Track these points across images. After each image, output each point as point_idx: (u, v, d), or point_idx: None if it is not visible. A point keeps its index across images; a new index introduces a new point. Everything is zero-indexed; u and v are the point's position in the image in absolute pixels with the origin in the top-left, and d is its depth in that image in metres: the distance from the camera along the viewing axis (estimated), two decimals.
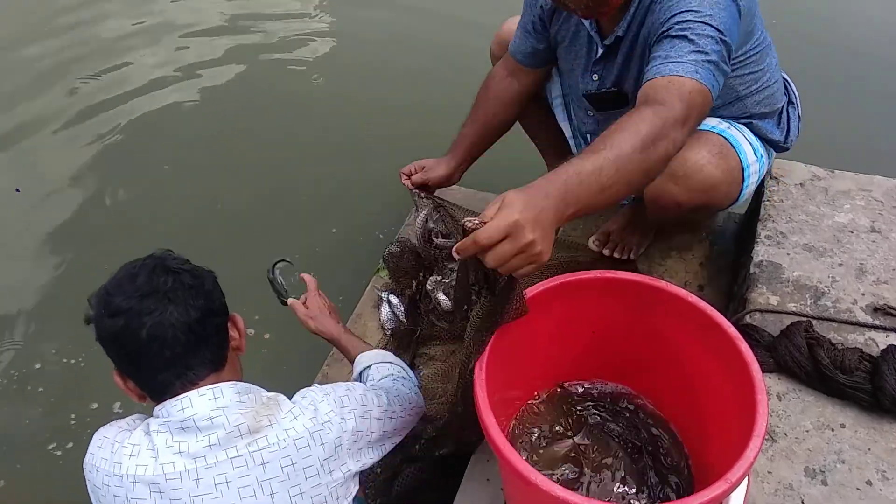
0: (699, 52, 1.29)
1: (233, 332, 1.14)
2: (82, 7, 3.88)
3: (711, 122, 1.61)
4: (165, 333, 1.00)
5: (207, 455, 1.01)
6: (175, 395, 1.03)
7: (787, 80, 1.78)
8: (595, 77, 1.69)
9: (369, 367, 1.42)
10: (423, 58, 3.33)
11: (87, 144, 2.96)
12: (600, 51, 1.62)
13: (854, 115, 2.93)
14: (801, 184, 1.79)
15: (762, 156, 1.68)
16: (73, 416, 1.96)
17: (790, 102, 1.77)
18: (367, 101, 3.11)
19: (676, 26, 1.33)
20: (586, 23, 1.63)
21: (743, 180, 1.62)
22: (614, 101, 1.69)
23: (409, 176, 1.96)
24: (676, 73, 1.27)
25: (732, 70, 1.45)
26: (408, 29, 3.55)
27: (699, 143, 1.54)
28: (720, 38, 1.30)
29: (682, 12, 1.33)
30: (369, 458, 1.18)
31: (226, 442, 1.01)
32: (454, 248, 1.01)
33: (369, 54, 3.44)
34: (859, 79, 3.16)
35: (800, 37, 3.36)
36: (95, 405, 1.98)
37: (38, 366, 2.11)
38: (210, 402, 1.02)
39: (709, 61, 1.28)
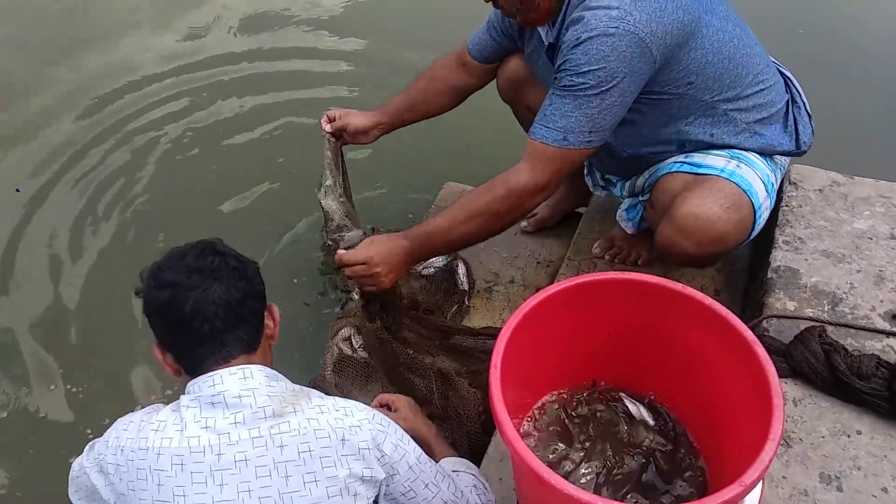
0: (572, 116, 1.43)
1: (268, 321, 1.18)
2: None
3: (719, 163, 1.55)
4: (207, 309, 1.06)
5: (231, 432, 1.04)
6: (207, 372, 1.07)
7: (788, 78, 1.70)
8: None
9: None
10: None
11: (89, 144, 2.93)
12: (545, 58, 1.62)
13: (876, 121, 2.90)
14: (820, 189, 1.78)
15: (773, 183, 1.61)
16: (89, 430, 1.91)
17: (793, 101, 1.67)
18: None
19: (567, 85, 1.42)
20: (540, 31, 1.63)
21: (754, 221, 1.55)
22: None
23: (331, 120, 1.97)
24: (534, 137, 1.48)
25: (687, 89, 1.51)
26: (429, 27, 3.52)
27: (710, 196, 1.50)
28: (601, 93, 1.40)
29: (574, 73, 1.41)
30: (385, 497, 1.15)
31: (250, 422, 1.04)
32: (334, 258, 1.63)
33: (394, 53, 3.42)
34: (884, 84, 3.13)
35: (823, 42, 3.34)
36: (107, 420, 1.89)
37: (52, 387, 2.03)
38: (240, 382, 1.06)
39: (580, 123, 1.43)
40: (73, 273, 2.38)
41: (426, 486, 1.16)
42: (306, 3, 3.83)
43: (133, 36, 3.61)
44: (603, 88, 1.39)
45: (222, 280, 1.09)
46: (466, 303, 2.02)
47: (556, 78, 1.46)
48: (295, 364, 2.03)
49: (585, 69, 1.39)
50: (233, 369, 1.07)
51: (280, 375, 1.13)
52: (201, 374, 1.08)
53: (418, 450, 1.18)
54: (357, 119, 1.94)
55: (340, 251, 1.62)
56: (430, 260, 1.99)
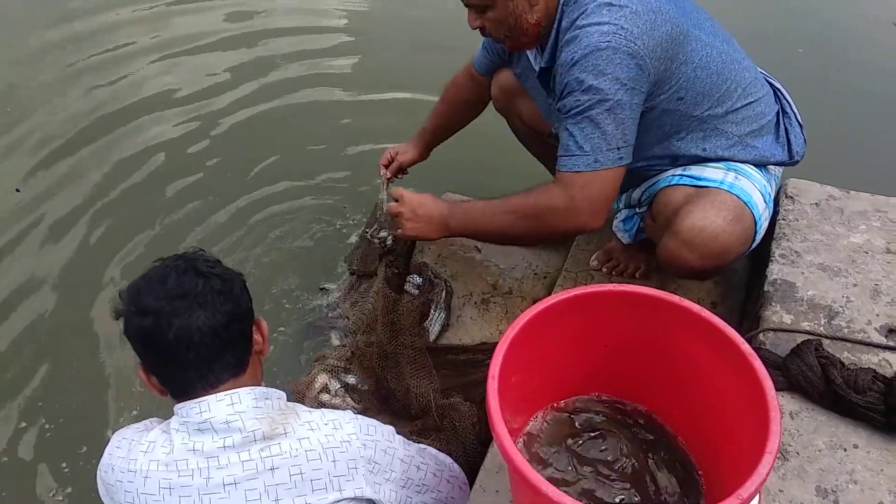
0: (594, 138, 1.45)
1: (256, 336, 1.15)
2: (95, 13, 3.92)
3: (718, 175, 1.57)
4: (192, 336, 1.02)
5: (220, 456, 1.03)
6: (195, 397, 1.05)
7: (777, 90, 1.72)
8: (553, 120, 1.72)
9: None
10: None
11: (90, 148, 2.95)
12: (538, 79, 1.65)
13: (873, 136, 2.92)
14: (816, 203, 1.79)
15: (769, 194, 1.62)
16: (64, 465, 1.84)
17: (783, 112, 1.69)
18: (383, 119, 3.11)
19: (576, 108, 1.45)
20: (529, 54, 1.66)
21: (755, 233, 1.57)
22: None
23: (386, 166, 2.18)
24: (575, 169, 1.49)
25: (674, 104, 1.54)
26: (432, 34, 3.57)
27: (714, 208, 1.52)
28: (611, 107, 1.42)
29: (578, 92, 1.43)
30: (388, 498, 1.16)
31: (240, 445, 1.03)
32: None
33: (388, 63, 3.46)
34: (881, 98, 3.14)
35: (821, 57, 3.37)
36: (85, 448, 1.86)
37: (43, 421, 1.95)
38: (228, 408, 1.04)
39: (606, 141, 1.45)
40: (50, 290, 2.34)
41: (418, 468, 1.22)
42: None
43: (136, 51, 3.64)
44: (608, 105, 1.42)
45: (206, 306, 1.03)
46: (439, 325, 1.98)
47: (561, 106, 1.47)
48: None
49: (587, 84, 1.41)
50: (220, 395, 1.04)
51: (269, 392, 1.10)
52: (189, 398, 1.05)
53: (402, 440, 1.23)
54: (407, 155, 2.17)
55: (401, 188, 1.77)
56: (412, 276, 2.02)
